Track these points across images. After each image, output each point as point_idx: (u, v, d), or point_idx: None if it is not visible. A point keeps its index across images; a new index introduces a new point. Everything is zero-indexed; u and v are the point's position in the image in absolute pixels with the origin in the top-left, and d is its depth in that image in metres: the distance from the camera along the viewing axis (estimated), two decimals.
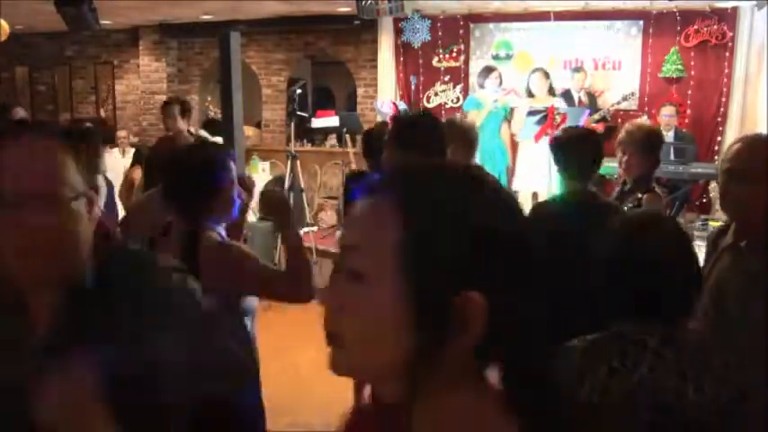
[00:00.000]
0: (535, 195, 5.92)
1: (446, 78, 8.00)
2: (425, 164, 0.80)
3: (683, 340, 1.39)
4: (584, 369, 1.37)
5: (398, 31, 8.07)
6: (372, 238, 0.70)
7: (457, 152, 2.87)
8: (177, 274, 1.21)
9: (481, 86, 6.39)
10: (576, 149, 2.75)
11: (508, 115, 6.39)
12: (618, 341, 1.39)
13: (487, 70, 6.35)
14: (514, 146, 6.45)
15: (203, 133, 5.03)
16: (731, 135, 6.90)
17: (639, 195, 2.96)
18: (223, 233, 2.15)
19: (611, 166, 4.42)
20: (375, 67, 8.35)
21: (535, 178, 5.89)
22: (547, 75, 6.26)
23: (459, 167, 0.78)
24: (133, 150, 7.54)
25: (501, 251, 0.68)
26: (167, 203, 2.11)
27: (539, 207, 3.12)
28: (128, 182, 6.83)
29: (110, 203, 3.88)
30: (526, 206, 5.97)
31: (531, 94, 6.39)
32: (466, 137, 3.08)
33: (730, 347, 1.57)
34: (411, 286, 0.67)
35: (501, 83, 6.35)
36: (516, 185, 6.37)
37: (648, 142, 3.03)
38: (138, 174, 6.91)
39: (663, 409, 1.31)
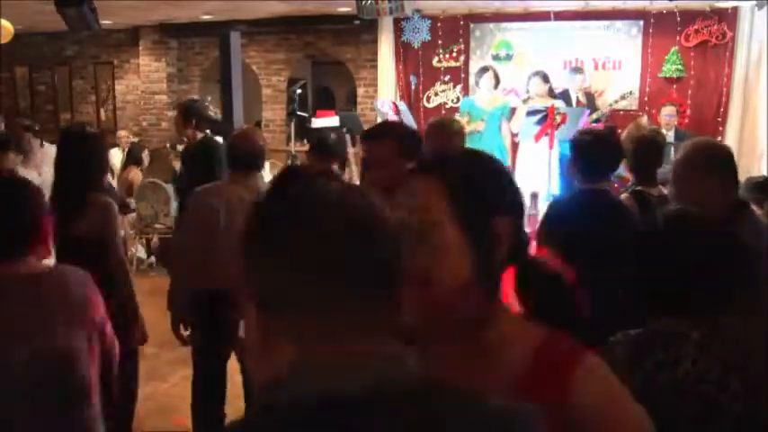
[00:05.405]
0: (535, 196, 5.91)
1: (446, 78, 8.00)
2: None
3: (726, 333, 1.40)
4: (632, 362, 1.39)
5: (398, 31, 8.07)
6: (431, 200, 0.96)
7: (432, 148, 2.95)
8: None
9: (477, 86, 6.40)
10: (599, 150, 2.76)
11: (508, 115, 6.38)
12: (662, 335, 1.42)
13: (482, 70, 6.32)
14: (515, 146, 6.44)
15: None
16: (731, 135, 6.91)
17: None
18: None
19: None
20: (375, 67, 8.35)
21: (535, 178, 5.88)
22: (546, 78, 6.23)
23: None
24: (127, 150, 7.50)
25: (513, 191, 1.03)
26: None
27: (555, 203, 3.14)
28: (125, 183, 6.82)
29: None
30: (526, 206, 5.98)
31: (530, 97, 6.39)
32: (440, 133, 3.11)
33: None
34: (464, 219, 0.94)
35: (498, 82, 6.31)
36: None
37: (631, 145, 3.05)
38: (135, 174, 6.90)
39: (707, 401, 1.33)
